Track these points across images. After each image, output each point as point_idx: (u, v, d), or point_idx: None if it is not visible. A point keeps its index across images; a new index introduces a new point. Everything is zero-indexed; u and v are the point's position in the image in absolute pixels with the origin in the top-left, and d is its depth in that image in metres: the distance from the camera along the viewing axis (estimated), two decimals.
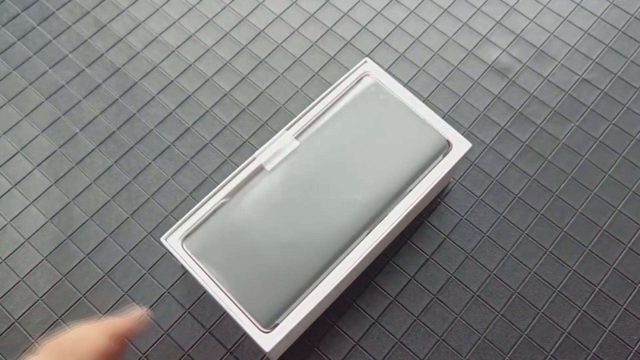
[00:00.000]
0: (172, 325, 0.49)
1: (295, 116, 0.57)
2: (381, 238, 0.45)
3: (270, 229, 0.44)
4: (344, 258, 0.44)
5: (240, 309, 0.42)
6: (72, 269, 0.51)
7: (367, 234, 0.45)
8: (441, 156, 0.47)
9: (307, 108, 0.48)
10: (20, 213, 0.53)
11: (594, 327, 0.49)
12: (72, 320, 0.49)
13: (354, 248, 0.44)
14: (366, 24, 0.61)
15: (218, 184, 0.54)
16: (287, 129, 0.48)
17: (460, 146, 0.48)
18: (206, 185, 0.54)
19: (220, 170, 0.55)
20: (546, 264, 0.51)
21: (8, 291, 0.50)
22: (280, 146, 0.47)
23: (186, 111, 0.57)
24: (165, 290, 0.50)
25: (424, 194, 0.46)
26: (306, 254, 0.44)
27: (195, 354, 0.48)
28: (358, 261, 0.44)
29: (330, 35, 0.60)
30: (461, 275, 0.51)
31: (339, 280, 0.43)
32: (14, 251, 0.51)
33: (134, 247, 0.52)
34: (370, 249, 0.44)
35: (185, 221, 0.45)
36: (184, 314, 0.49)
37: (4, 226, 0.52)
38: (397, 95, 0.49)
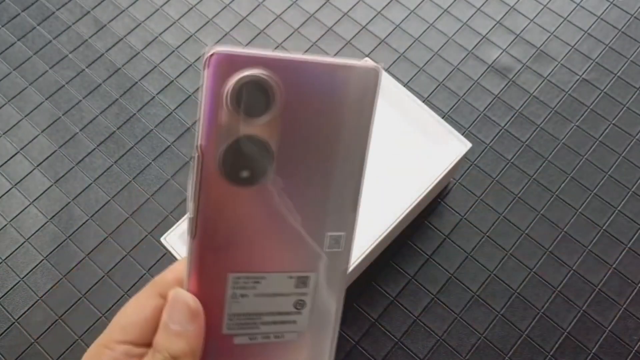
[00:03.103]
0: None
1: None
2: (382, 238, 0.45)
3: None
4: None
5: None
6: (72, 269, 0.51)
7: (367, 234, 0.45)
8: (441, 155, 0.47)
9: None
10: (20, 213, 0.53)
11: (594, 327, 0.49)
12: (73, 320, 0.49)
13: (354, 248, 0.44)
14: (366, 24, 0.61)
15: None
16: None
17: (460, 146, 0.48)
18: None
19: None
20: (546, 264, 0.51)
21: (8, 291, 0.50)
22: None
23: (186, 111, 0.57)
24: None
25: (424, 194, 0.46)
26: None
27: None
28: (358, 261, 0.44)
29: (330, 35, 0.60)
30: (461, 275, 0.51)
31: None
32: (14, 251, 0.51)
33: (134, 247, 0.52)
34: (370, 249, 0.44)
35: (185, 221, 0.45)
36: None
37: (4, 226, 0.52)
38: (397, 95, 0.49)
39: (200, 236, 0.22)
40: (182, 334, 0.22)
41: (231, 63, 0.20)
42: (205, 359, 0.23)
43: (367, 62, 0.22)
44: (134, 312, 0.23)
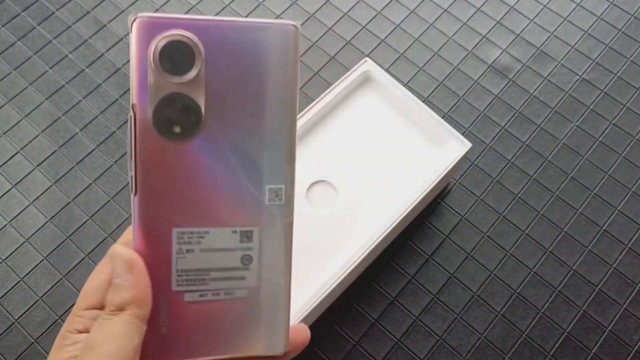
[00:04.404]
0: None
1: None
2: (382, 238, 0.45)
3: None
4: (344, 258, 0.44)
5: None
6: (72, 269, 0.51)
7: (367, 234, 0.45)
8: (441, 155, 0.47)
9: (307, 108, 0.49)
10: (20, 213, 0.53)
11: (594, 327, 0.49)
12: None
13: (353, 248, 0.44)
14: (366, 24, 0.61)
15: None
16: None
17: (460, 146, 0.48)
18: None
19: None
20: (546, 264, 0.51)
21: (8, 291, 0.50)
22: None
23: None
24: None
25: (424, 194, 0.46)
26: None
27: None
28: (358, 261, 0.44)
29: (330, 35, 0.60)
30: (461, 275, 0.51)
31: (338, 281, 0.43)
32: (14, 251, 0.51)
33: None
34: (370, 249, 0.44)
35: None
36: None
37: (4, 226, 0.52)
38: (397, 95, 0.49)
39: (141, 193, 0.23)
40: (122, 285, 0.23)
41: (152, 26, 0.22)
42: (157, 315, 0.24)
43: (284, 21, 0.23)
44: (93, 280, 0.25)
